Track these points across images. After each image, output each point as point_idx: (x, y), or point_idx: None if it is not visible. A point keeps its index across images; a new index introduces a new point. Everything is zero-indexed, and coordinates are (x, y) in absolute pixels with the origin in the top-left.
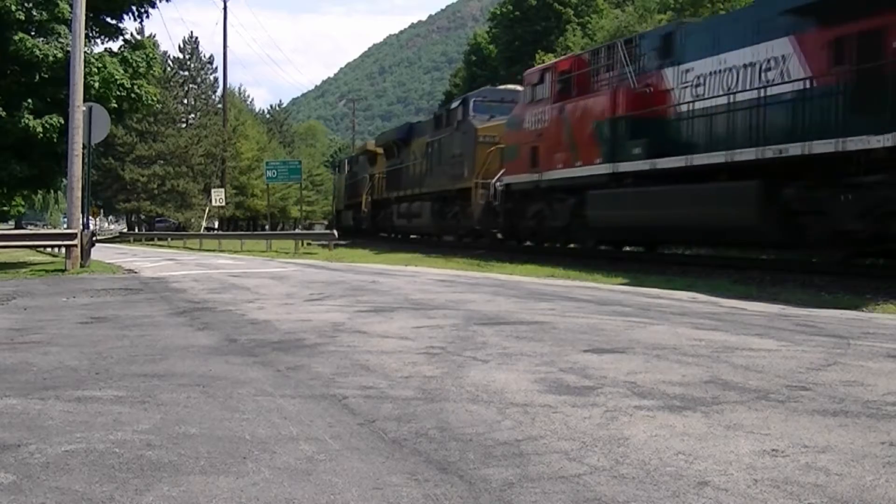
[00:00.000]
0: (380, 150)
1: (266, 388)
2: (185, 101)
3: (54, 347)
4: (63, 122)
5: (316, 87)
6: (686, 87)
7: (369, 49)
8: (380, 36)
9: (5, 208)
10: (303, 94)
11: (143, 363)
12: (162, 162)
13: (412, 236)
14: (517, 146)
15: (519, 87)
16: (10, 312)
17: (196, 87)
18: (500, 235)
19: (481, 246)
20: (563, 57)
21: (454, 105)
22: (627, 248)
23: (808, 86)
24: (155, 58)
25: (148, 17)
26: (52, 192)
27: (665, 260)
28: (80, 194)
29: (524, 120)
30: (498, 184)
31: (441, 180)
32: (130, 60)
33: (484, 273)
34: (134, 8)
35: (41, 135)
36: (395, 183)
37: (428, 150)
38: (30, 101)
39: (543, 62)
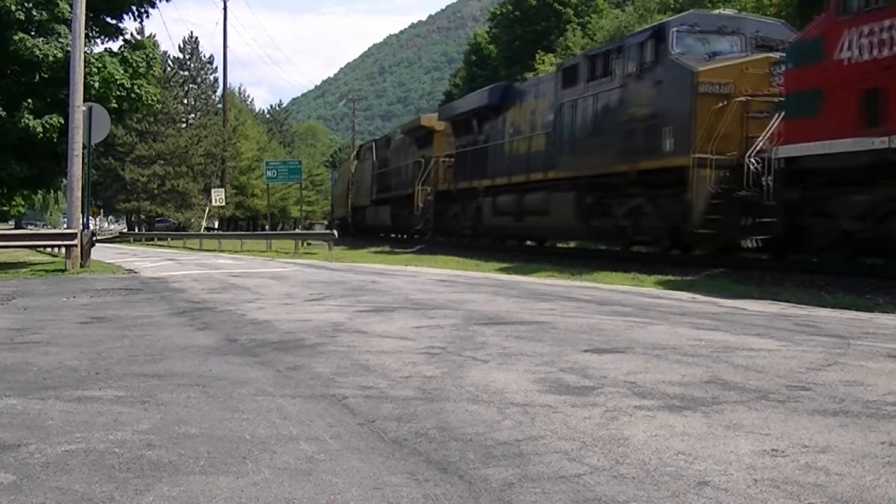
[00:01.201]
0: (441, 126)
1: (266, 388)
2: (185, 101)
3: (54, 347)
4: (63, 122)
5: (316, 87)
6: None
7: (369, 49)
8: (380, 36)
9: (5, 208)
10: (303, 94)
11: (143, 363)
12: (162, 162)
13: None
14: (817, 93)
15: (739, 13)
16: (10, 312)
17: (196, 87)
18: (750, 244)
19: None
20: None
21: (632, 41)
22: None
23: None
24: (155, 58)
25: (148, 17)
26: (52, 192)
27: (665, 260)
28: (80, 194)
29: (838, 46)
30: (753, 160)
31: (599, 158)
32: (130, 60)
33: (484, 273)
34: (134, 8)
35: (41, 135)
36: (477, 167)
37: (555, 117)
38: (30, 101)
39: (544, 62)
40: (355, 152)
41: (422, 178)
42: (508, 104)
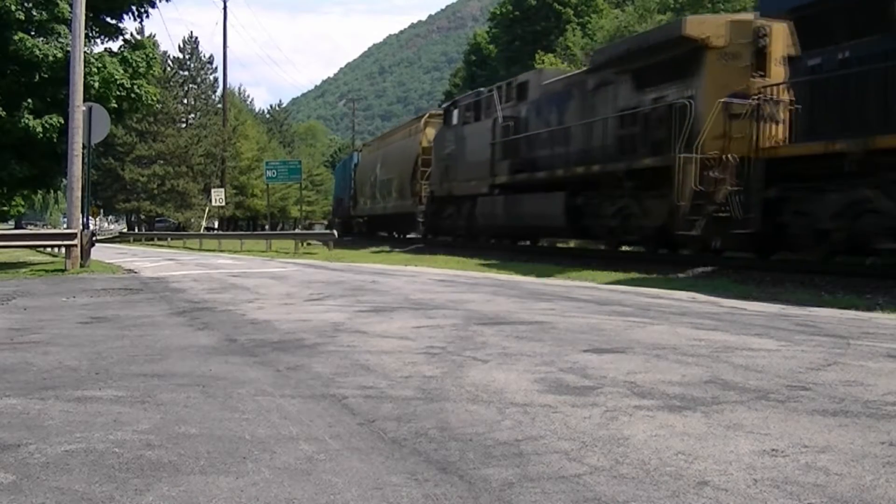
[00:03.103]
0: (722, 39)
1: (266, 388)
2: (185, 101)
3: (54, 347)
4: (63, 122)
5: (316, 87)
6: None
7: (369, 49)
8: (380, 36)
9: (5, 208)
10: (303, 94)
11: (143, 363)
12: (162, 162)
13: None
14: None
15: None
16: (10, 312)
17: (196, 87)
18: None
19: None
20: None
21: None
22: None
23: None
24: (155, 58)
25: (148, 16)
26: (52, 192)
27: (665, 260)
28: (80, 194)
29: None
30: None
31: None
32: (130, 60)
33: (483, 273)
34: (134, 8)
35: (41, 135)
36: None
37: None
38: (30, 101)
39: (543, 62)
40: (436, 113)
41: (682, 139)
42: None
